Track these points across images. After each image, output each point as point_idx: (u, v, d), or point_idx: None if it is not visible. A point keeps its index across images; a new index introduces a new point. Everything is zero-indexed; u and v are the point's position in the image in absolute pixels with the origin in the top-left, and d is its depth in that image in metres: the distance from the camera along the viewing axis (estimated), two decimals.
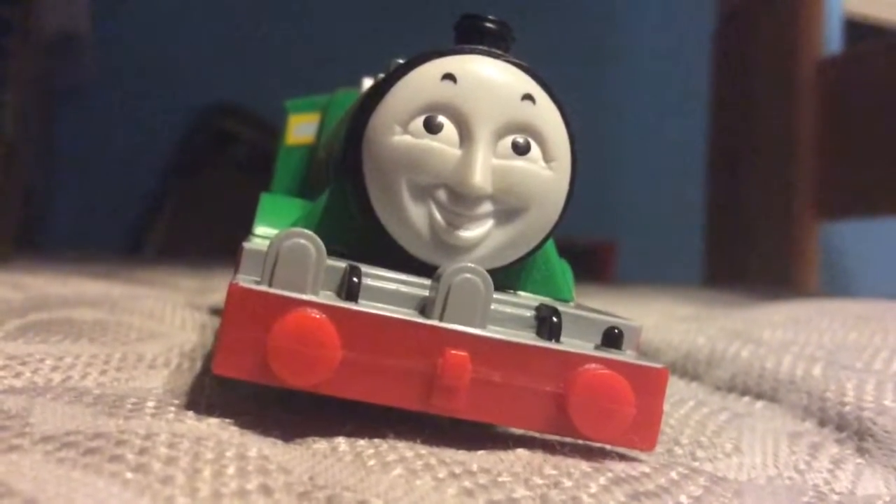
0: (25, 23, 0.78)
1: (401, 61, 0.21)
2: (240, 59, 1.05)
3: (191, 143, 1.05)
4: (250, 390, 0.22)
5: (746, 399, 0.29)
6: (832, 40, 1.14)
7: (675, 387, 0.32)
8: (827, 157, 0.90)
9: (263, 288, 0.18)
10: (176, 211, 1.03)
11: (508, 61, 0.21)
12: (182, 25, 1.03)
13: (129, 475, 0.15)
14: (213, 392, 0.22)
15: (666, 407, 0.26)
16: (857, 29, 1.25)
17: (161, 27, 1.03)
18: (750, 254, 0.96)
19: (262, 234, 0.22)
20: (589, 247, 1.04)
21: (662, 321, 0.43)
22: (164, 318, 0.35)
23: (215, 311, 0.39)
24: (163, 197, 1.04)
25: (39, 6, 0.80)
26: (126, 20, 1.02)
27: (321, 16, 1.07)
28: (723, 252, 1.00)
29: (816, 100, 0.91)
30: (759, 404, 0.28)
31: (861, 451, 0.24)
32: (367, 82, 0.29)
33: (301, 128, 0.33)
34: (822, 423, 0.26)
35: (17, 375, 0.23)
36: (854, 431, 0.24)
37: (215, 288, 0.50)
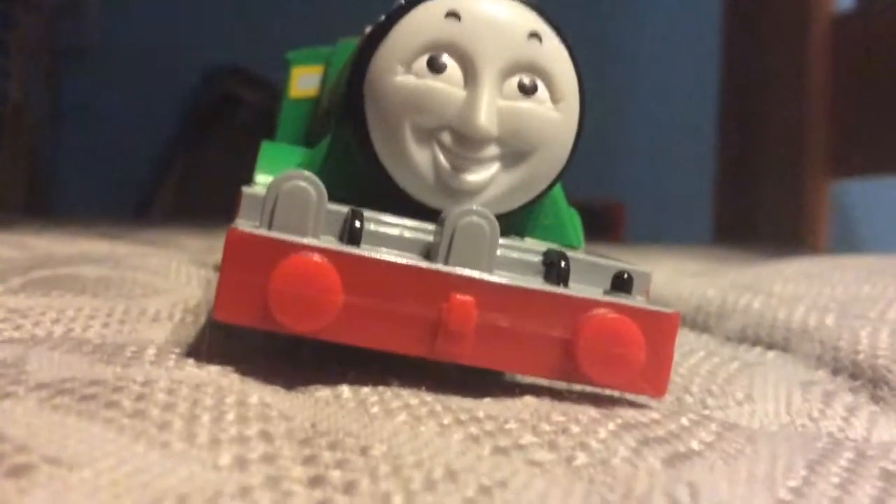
0: None
1: (403, 0, 0.21)
2: (245, 21, 1.04)
3: (197, 107, 1.05)
4: (253, 341, 0.22)
5: (758, 349, 0.29)
6: None
7: (685, 338, 0.31)
8: (839, 115, 0.89)
9: (262, 232, 0.17)
10: (183, 174, 1.03)
11: None
12: None
13: (125, 421, 0.15)
14: (214, 342, 0.22)
15: (676, 357, 0.25)
16: None
17: None
18: (760, 213, 0.95)
19: (263, 181, 0.21)
20: (598, 207, 1.04)
21: (672, 276, 0.43)
22: (169, 274, 0.35)
23: (220, 268, 0.38)
24: (169, 160, 1.03)
25: None
26: None
27: None
28: (733, 212, 0.99)
29: (829, 57, 0.90)
30: (771, 354, 0.28)
31: (875, 398, 0.23)
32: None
33: (304, 80, 0.33)
34: (836, 371, 0.25)
35: (18, 328, 0.22)
36: (868, 379, 0.24)
37: (220, 247, 0.49)
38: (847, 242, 1.10)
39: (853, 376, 0.25)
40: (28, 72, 0.78)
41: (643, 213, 1.12)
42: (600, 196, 1.02)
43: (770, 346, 0.29)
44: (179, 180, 1.03)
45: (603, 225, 1.07)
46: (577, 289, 0.19)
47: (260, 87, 1.01)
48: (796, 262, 0.43)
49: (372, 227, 0.19)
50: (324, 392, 0.18)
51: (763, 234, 0.92)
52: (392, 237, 0.19)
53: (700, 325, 0.33)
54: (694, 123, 1.09)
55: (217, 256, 0.44)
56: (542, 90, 0.20)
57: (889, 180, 0.98)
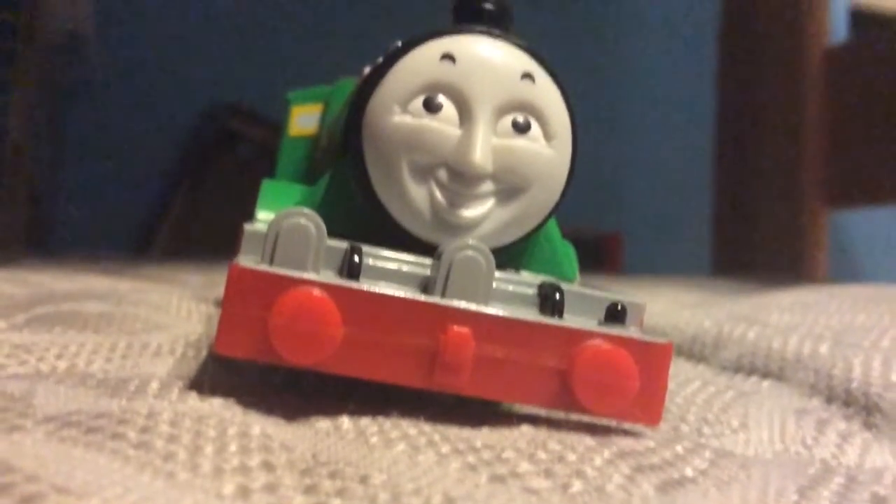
0: (31, 25, 0.78)
1: (400, 43, 0.21)
2: (245, 58, 1.05)
3: (197, 143, 1.05)
4: (254, 374, 0.22)
5: (753, 378, 0.29)
6: (838, 29, 1.14)
7: (682, 368, 0.31)
8: (834, 145, 0.90)
9: (264, 267, 0.18)
10: (183, 210, 1.03)
11: (507, 41, 0.21)
12: (187, 26, 1.03)
13: (130, 452, 0.15)
14: (217, 376, 0.22)
15: (672, 387, 0.26)
16: (863, 18, 1.25)
17: (166, 28, 1.03)
18: (758, 244, 0.96)
19: (264, 218, 0.22)
20: (596, 238, 1.04)
21: (669, 307, 0.43)
22: (170, 309, 0.35)
23: (221, 303, 0.39)
24: (170, 197, 1.04)
25: (44, 8, 0.80)
26: (131, 21, 1.02)
27: (324, 14, 1.07)
28: (731, 242, 0.99)
29: (823, 88, 0.91)
30: (766, 383, 0.28)
31: (868, 425, 0.23)
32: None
33: (303, 118, 0.33)
34: (830, 399, 0.26)
35: (23, 363, 0.23)
36: (861, 407, 0.24)
37: (221, 282, 0.50)
38: (846, 271, 1.10)
39: (846, 404, 0.25)
40: (28, 108, 0.79)
41: (642, 244, 1.12)
42: (599, 226, 1.03)
43: (765, 375, 0.29)
44: (180, 216, 1.03)
45: (601, 255, 1.07)
46: (571, 320, 0.20)
47: (259, 123, 1.02)
48: (793, 293, 0.43)
49: (370, 261, 0.20)
50: (324, 423, 0.18)
51: (761, 264, 0.93)
52: (390, 271, 0.20)
53: (697, 355, 0.33)
54: (692, 154, 1.10)
55: (217, 292, 0.44)
56: (535, 128, 0.21)
57: (886, 209, 0.99)
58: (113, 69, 0.99)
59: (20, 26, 0.77)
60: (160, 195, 1.04)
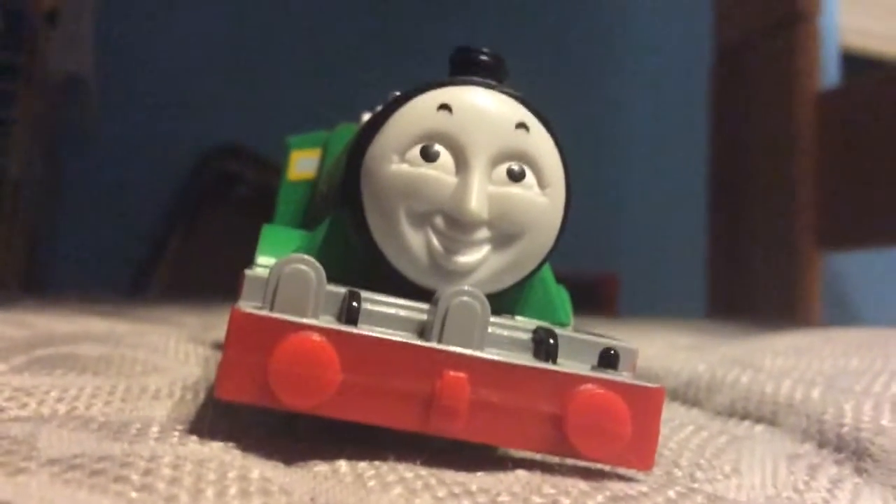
0: (31, 67, 0.79)
1: (398, 93, 0.22)
2: (242, 100, 1.06)
3: (194, 184, 1.06)
4: (253, 418, 0.23)
5: (746, 423, 0.29)
6: (830, 74, 1.15)
7: (675, 412, 0.32)
8: (827, 188, 0.90)
9: (265, 312, 0.18)
10: (180, 251, 1.04)
11: (502, 91, 0.22)
12: (186, 67, 1.05)
13: (133, 494, 0.15)
14: (216, 419, 0.22)
15: (665, 431, 0.26)
16: (854, 62, 1.26)
17: (165, 69, 1.04)
18: (753, 286, 0.96)
19: (264, 263, 0.22)
20: (592, 280, 1.05)
21: (664, 350, 0.43)
22: (168, 352, 0.35)
23: (218, 346, 0.39)
24: (167, 237, 1.04)
25: (44, 50, 0.81)
26: (130, 63, 1.03)
27: (322, 57, 1.08)
28: (726, 284, 1.00)
29: (815, 132, 0.92)
30: (759, 428, 0.29)
31: (859, 470, 0.24)
32: (367, 117, 0.29)
33: (302, 163, 0.34)
34: (821, 444, 0.26)
35: (23, 406, 0.23)
36: (852, 452, 0.25)
37: (218, 325, 0.50)
38: (840, 313, 1.11)
39: (838, 449, 0.25)
40: (28, 148, 0.80)
41: (637, 286, 1.13)
42: (594, 268, 1.04)
43: (758, 419, 0.29)
44: (177, 256, 1.03)
45: (597, 298, 1.08)
46: (565, 365, 0.20)
47: (256, 164, 1.03)
48: (787, 336, 0.43)
49: (369, 306, 0.20)
50: (322, 467, 0.19)
51: (756, 307, 0.93)
52: (388, 316, 0.20)
53: (691, 399, 0.33)
54: (687, 197, 1.11)
55: (214, 334, 0.45)
56: (529, 176, 0.22)
57: (880, 251, 0.99)
58: (112, 110, 1.00)
59: (20, 68, 0.78)
60: (158, 235, 1.04)
